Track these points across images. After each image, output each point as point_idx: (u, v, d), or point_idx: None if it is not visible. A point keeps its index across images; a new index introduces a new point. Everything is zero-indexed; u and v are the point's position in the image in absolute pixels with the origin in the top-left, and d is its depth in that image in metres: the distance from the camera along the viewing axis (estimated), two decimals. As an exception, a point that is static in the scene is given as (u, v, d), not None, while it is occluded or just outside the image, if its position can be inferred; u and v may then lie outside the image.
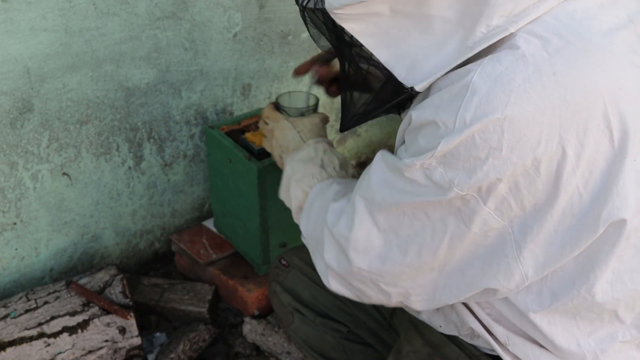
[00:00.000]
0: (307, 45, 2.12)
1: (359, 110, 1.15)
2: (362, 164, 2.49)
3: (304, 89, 1.65)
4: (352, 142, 2.43)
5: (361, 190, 1.13)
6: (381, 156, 1.13)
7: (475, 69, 0.96)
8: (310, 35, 1.13)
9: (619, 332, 1.09)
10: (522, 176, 0.96)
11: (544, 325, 1.08)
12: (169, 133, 1.97)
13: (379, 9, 0.97)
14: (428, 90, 1.04)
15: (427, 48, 0.99)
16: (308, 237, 1.28)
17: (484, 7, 0.95)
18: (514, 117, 0.93)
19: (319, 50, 1.34)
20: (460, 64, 0.99)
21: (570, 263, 1.03)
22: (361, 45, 1.02)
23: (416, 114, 1.02)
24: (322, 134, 1.49)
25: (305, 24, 1.10)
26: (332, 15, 1.00)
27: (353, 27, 1.00)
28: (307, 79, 1.59)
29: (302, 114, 1.55)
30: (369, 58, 1.03)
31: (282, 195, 1.41)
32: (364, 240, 1.11)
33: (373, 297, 1.17)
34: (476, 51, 0.96)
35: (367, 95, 1.12)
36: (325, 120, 1.54)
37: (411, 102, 1.11)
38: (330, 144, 1.46)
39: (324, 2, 1.00)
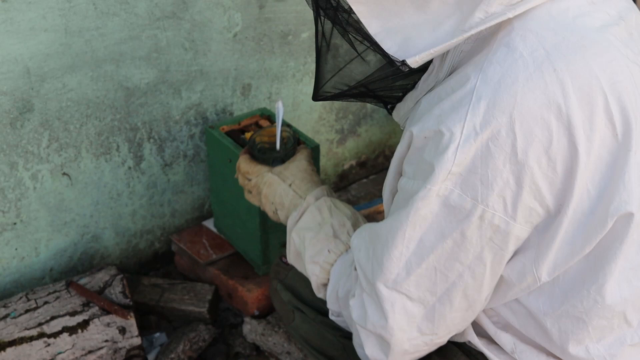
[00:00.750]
0: (307, 45, 2.12)
1: (338, 85, 1.09)
2: (362, 164, 2.49)
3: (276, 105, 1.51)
4: (352, 142, 2.43)
5: (375, 276, 1.07)
6: (375, 231, 1.07)
7: (475, 74, 0.95)
8: None
9: (627, 335, 1.08)
10: (542, 179, 0.95)
11: (554, 330, 1.06)
12: (169, 133, 1.97)
13: None
14: (423, 105, 1.01)
15: (421, 26, 0.97)
16: (337, 314, 1.25)
17: None
18: (523, 118, 0.92)
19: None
20: (454, 67, 0.98)
21: (581, 262, 1.02)
22: (351, 11, 0.99)
23: (417, 128, 0.99)
24: (315, 179, 1.40)
25: None
26: None
27: None
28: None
29: (283, 159, 1.43)
30: (358, 28, 1.00)
31: (292, 260, 1.35)
32: (403, 319, 1.06)
33: (432, 351, 1.14)
34: (473, 32, 0.95)
35: (350, 70, 1.08)
36: (310, 157, 1.45)
37: (399, 100, 1.08)
38: (329, 191, 1.38)
39: None
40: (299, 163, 1.42)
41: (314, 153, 1.81)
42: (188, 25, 1.86)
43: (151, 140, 1.95)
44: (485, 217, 0.96)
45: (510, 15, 0.95)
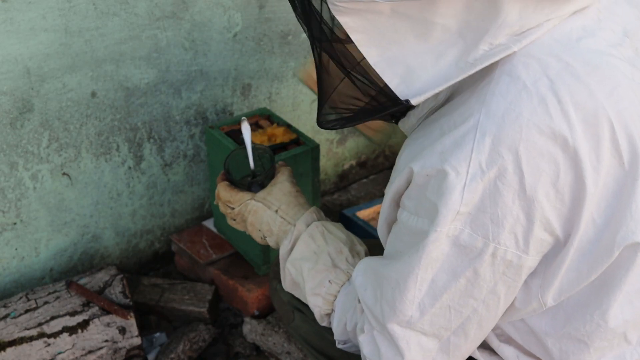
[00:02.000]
0: (307, 45, 2.12)
1: (343, 112, 1.07)
2: (362, 164, 2.49)
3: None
4: (352, 142, 2.43)
5: (387, 318, 1.05)
6: (382, 273, 1.05)
7: (478, 108, 0.92)
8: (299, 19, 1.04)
9: (627, 353, 1.07)
10: (551, 211, 0.93)
11: (555, 350, 1.06)
12: (169, 133, 1.97)
13: (380, 8, 0.93)
14: (424, 137, 0.99)
15: (423, 55, 0.94)
16: (344, 342, 1.23)
17: (491, 25, 0.91)
18: (530, 154, 0.90)
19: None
20: (454, 88, 0.96)
21: (586, 287, 1.01)
22: (348, 41, 0.96)
23: (418, 165, 0.97)
24: (301, 202, 1.33)
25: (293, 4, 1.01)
26: (329, 5, 0.94)
27: (347, 21, 0.95)
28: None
29: (263, 182, 1.35)
30: (356, 63, 0.97)
31: (288, 288, 1.32)
32: (419, 354, 1.05)
33: None
34: (477, 69, 0.92)
35: (353, 99, 1.05)
36: (292, 176, 1.37)
37: (404, 113, 1.06)
38: (318, 214, 1.32)
39: None
40: (282, 186, 1.34)
41: (314, 153, 1.81)
42: (188, 25, 1.86)
43: (151, 140, 1.95)
44: (497, 254, 0.95)
45: (515, 48, 0.92)
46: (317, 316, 1.26)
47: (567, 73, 0.93)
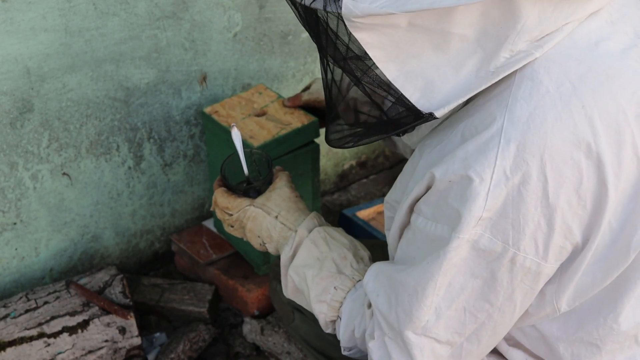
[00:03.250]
0: (307, 45, 2.12)
1: (354, 130, 1.05)
2: (362, 164, 2.49)
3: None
4: (352, 142, 2.43)
5: (402, 325, 1.04)
6: (397, 279, 1.04)
7: (501, 113, 0.91)
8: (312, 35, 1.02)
9: (638, 355, 1.07)
10: (572, 218, 0.93)
11: (567, 354, 1.05)
12: (169, 133, 1.97)
13: (397, 21, 0.91)
14: (443, 143, 0.97)
15: (442, 67, 0.93)
16: (350, 348, 1.22)
17: (510, 32, 0.90)
18: (554, 160, 0.90)
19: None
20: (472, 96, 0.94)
21: (599, 291, 1.01)
22: (367, 57, 0.94)
23: (440, 171, 0.95)
24: (301, 207, 1.32)
25: (303, 19, 0.99)
26: (346, 22, 0.92)
27: (363, 37, 0.93)
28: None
29: (261, 188, 1.33)
30: (376, 78, 0.95)
31: (290, 296, 1.30)
32: None
33: None
34: (500, 77, 0.91)
35: (366, 115, 1.03)
36: (290, 181, 1.36)
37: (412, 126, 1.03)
38: (319, 219, 1.30)
39: (341, 7, 0.91)
40: (281, 191, 1.32)
41: (314, 153, 1.81)
42: (188, 25, 1.86)
43: (151, 140, 1.95)
44: (516, 261, 0.95)
45: (537, 54, 0.91)
46: (321, 323, 1.24)
47: (589, 77, 0.92)
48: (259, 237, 1.31)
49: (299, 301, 1.30)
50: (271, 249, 1.32)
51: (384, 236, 1.50)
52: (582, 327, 1.03)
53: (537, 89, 0.91)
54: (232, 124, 1.35)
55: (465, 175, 0.92)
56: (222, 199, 1.33)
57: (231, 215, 1.33)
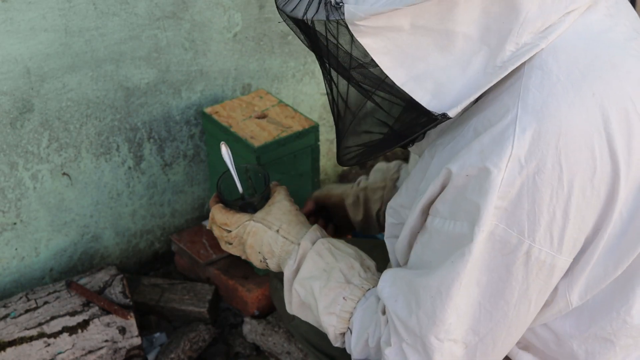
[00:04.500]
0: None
1: (366, 143, 1.03)
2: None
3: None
4: (352, 142, 2.43)
5: (426, 330, 1.02)
6: (418, 282, 1.01)
7: (514, 103, 0.91)
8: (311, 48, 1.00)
9: None
10: (586, 207, 0.93)
11: (581, 352, 1.05)
12: (169, 133, 1.97)
13: (400, 23, 0.90)
14: (456, 139, 0.97)
15: (449, 68, 0.93)
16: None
17: (513, 25, 0.91)
18: (569, 148, 0.90)
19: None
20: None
21: (610, 284, 1.00)
22: (374, 64, 0.93)
23: (456, 166, 0.94)
24: (302, 220, 1.29)
25: (301, 34, 0.97)
26: (350, 27, 0.92)
27: (369, 43, 0.92)
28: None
29: (258, 204, 1.30)
30: (384, 83, 0.94)
31: (295, 311, 1.26)
32: None
33: None
34: (508, 71, 0.92)
35: (376, 126, 1.02)
36: (289, 194, 1.33)
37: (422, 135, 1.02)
38: (321, 231, 1.27)
39: (344, 13, 0.90)
40: (280, 205, 1.29)
41: (314, 153, 1.81)
42: (188, 25, 1.86)
43: (151, 140, 1.95)
44: (532, 254, 0.94)
45: (543, 45, 0.91)
46: (330, 337, 1.20)
47: (596, 66, 0.93)
48: (259, 252, 1.28)
49: (305, 317, 1.26)
50: (272, 265, 1.29)
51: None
52: (595, 322, 1.03)
53: (548, 77, 0.91)
54: (222, 142, 1.32)
55: (483, 168, 0.92)
56: (219, 215, 1.31)
57: (230, 231, 1.30)
